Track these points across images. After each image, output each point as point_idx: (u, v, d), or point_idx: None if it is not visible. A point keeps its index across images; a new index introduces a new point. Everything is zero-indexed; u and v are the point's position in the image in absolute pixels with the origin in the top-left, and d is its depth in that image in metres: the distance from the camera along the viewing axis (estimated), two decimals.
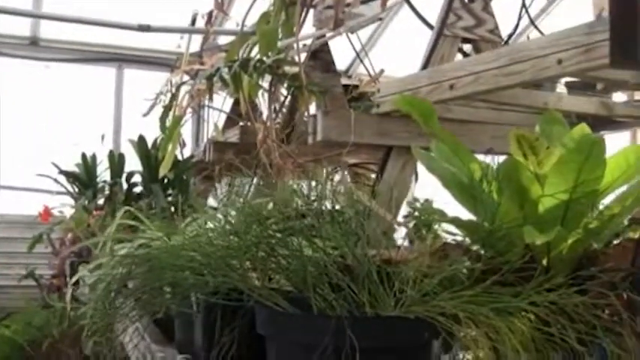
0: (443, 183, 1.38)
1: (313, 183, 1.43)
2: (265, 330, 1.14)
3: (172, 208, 3.23)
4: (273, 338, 1.13)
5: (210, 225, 1.46)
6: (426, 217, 1.38)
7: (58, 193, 4.18)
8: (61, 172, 4.10)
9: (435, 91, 2.09)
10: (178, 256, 1.28)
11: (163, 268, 1.29)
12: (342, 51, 3.02)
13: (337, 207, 1.33)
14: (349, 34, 2.95)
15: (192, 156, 4.01)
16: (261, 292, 1.16)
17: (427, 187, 1.95)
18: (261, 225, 1.25)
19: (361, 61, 3.54)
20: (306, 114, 2.89)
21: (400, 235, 1.45)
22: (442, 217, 1.36)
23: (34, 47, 6.28)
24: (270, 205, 1.41)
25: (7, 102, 6.07)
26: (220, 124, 3.92)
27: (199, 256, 1.26)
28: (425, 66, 2.40)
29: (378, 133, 2.41)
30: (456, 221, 1.30)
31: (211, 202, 3.06)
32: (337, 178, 2.44)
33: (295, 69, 2.55)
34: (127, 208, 1.97)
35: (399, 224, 1.49)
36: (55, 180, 4.14)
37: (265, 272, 1.22)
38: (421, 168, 2.51)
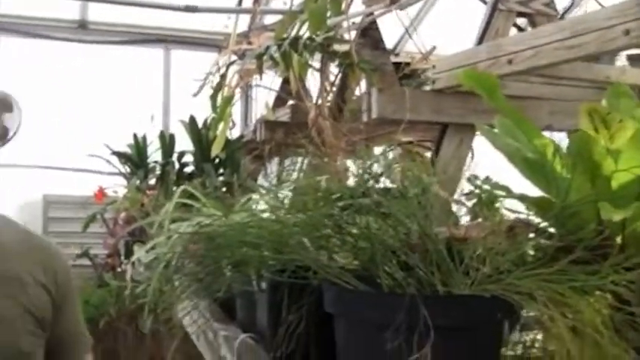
0: (508, 159, 1.36)
1: (371, 161, 1.41)
2: (334, 308, 1.13)
3: (224, 188, 3.25)
4: (342, 316, 1.12)
5: (271, 203, 1.45)
6: (491, 194, 1.35)
7: (110, 173, 4.23)
8: (114, 152, 4.15)
9: (493, 66, 2.06)
10: (245, 234, 1.27)
11: (229, 246, 1.28)
12: (387, 29, 2.99)
13: (400, 185, 1.31)
14: (397, 12, 2.92)
15: (242, 136, 4.02)
16: (329, 269, 1.15)
17: (483, 165, 1.93)
18: (327, 202, 1.23)
19: (410, 37, 3.50)
20: (356, 92, 2.87)
21: (460, 213, 1.43)
22: (508, 193, 1.33)
23: (82, 30, 6.33)
24: (331, 183, 1.40)
25: (58, 85, 6.13)
26: (270, 103, 3.92)
27: (266, 234, 1.25)
28: (480, 41, 2.37)
29: (434, 110, 2.39)
30: (524, 198, 1.27)
31: (262, 181, 3.06)
32: (392, 156, 2.40)
33: (345, 47, 2.53)
34: (183, 187, 1.97)
35: (459, 202, 1.47)
36: (108, 161, 4.18)
37: (331, 250, 1.21)
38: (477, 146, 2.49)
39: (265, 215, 1.41)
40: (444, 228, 1.20)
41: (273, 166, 3.23)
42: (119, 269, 3.60)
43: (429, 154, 2.64)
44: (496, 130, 1.39)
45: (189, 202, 1.99)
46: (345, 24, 2.56)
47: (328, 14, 2.42)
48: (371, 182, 1.30)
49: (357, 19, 2.80)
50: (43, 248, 2.04)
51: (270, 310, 1.34)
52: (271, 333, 1.31)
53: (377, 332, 0.99)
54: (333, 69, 2.87)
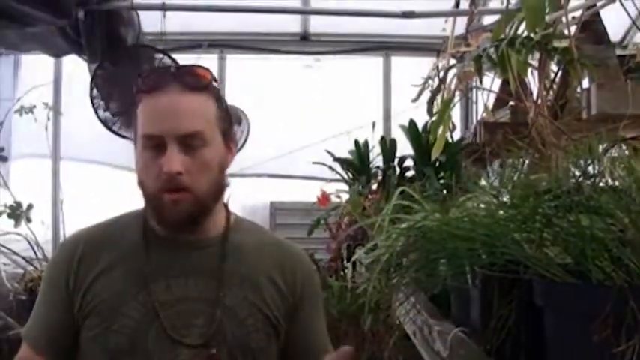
0: None
1: (589, 159, 1.38)
2: (544, 300, 1.13)
3: (445, 191, 3.26)
4: (552, 308, 1.11)
5: (485, 199, 1.46)
6: None
7: (333, 180, 4.35)
8: (336, 159, 4.26)
9: None
10: (457, 228, 1.29)
11: (442, 240, 1.30)
12: (614, 21, 2.88)
13: (616, 182, 1.28)
14: (623, 2, 2.81)
15: (462, 138, 4.02)
16: (539, 263, 1.15)
17: None
18: (537, 197, 1.23)
19: (638, 28, 3.36)
20: (578, 89, 2.80)
21: None
22: None
23: (304, 42, 6.58)
24: (546, 180, 1.39)
25: (282, 96, 6.40)
26: (490, 105, 3.88)
27: (478, 227, 1.27)
28: None
29: None
30: None
31: (483, 184, 3.05)
32: (614, 153, 2.33)
33: (564, 43, 2.47)
34: (402, 188, 2.01)
35: None
36: (330, 167, 4.30)
37: (541, 244, 1.21)
38: None
39: (477, 211, 1.42)
40: None
41: (494, 169, 3.20)
42: (342, 272, 3.70)
43: None
44: None
45: (408, 203, 2.03)
46: (564, 19, 2.50)
47: (546, 10, 2.38)
48: (584, 179, 1.28)
49: (578, 13, 2.73)
50: (286, 252, 2.13)
51: (481, 304, 1.36)
52: (482, 326, 1.32)
53: (585, 324, 0.99)
54: (554, 67, 2.81)
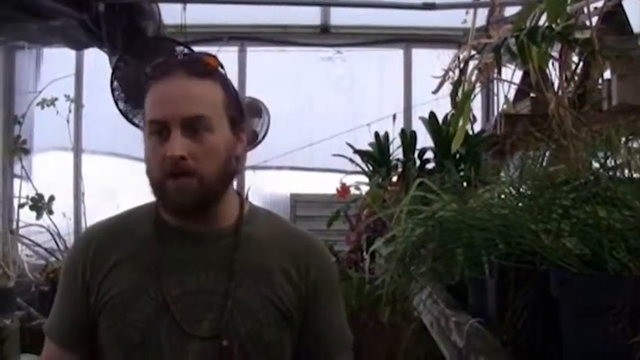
0: None
1: (609, 150, 1.37)
2: (560, 292, 1.12)
3: (465, 183, 3.25)
4: (568, 300, 1.10)
5: (504, 190, 1.46)
6: None
7: (353, 172, 4.34)
8: (356, 151, 4.25)
9: None
10: (473, 218, 1.29)
11: (458, 229, 1.30)
12: (636, 12, 2.85)
13: (634, 173, 1.27)
14: None
15: (483, 130, 4.00)
16: (556, 254, 1.14)
17: None
18: (555, 188, 1.22)
19: None
20: (600, 80, 2.77)
21: None
22: None
23: (324, 35, 6.57)
24: (564, 172, 1.38)
25: (302, 89, 6.40)
26: (511, 97, 3.86)
27: (493, 218, 1.26)
28: None
29: None
30: None
31: (503, 176, 3.03)
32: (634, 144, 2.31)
33: (586, 34, 2.45)
34: (420, 180, 2.00)
35: None
36: (350, 159, 4.30)
37: (558, 235, 1.20)
38: None
39: (494, 201, 1.41)
40: None
41: (514, 161, 3.17)
42: (361, 264, 3.70)
43: None
44: None
45: (427, 194, 2.02)
46: (585, 10, 2.48)
47: (568, 1, 2.36)
48: (602, 170, 1.27)
49: (599, 4, 2.70)
50: (300, 242, 2.09)
51: (497, 295, 1.35)
52: (498, 317, 1.32)
53: (601, 315, 0.98)
54: (575, 58, 2.79)
